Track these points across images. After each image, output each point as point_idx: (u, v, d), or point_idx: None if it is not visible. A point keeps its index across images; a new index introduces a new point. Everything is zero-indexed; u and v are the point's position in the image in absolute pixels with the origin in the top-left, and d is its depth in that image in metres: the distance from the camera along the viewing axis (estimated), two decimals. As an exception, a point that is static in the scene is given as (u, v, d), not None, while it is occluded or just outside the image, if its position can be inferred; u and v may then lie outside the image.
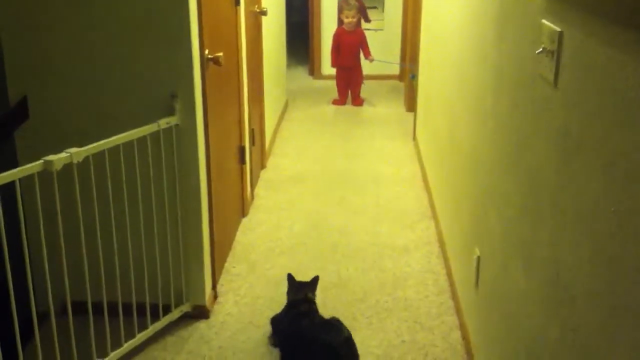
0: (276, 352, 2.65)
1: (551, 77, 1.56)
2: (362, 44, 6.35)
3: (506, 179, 2.05)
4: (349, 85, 6.45)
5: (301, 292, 2.78)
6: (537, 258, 1.69)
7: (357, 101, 6.44)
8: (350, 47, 6.31)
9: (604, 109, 1.26)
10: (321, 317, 2.69)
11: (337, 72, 6.47)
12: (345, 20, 6.22)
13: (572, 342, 1.40)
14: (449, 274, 3.19)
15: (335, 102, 6.47)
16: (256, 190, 4.30)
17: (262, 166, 4.70)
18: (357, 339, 2.70)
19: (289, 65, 6.75)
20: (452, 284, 3.10)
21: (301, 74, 7.69)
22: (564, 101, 1.49)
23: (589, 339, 1.31)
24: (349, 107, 6.42)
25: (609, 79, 1.23)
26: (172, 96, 2.56)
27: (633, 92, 1.12)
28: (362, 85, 6.47)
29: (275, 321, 2.76)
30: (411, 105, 5.81)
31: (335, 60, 6.43)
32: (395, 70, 7.26)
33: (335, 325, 2.60)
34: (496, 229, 2.19)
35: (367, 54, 6.37)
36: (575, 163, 1.41)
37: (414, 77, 5.49)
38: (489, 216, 2.30)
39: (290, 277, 2.86)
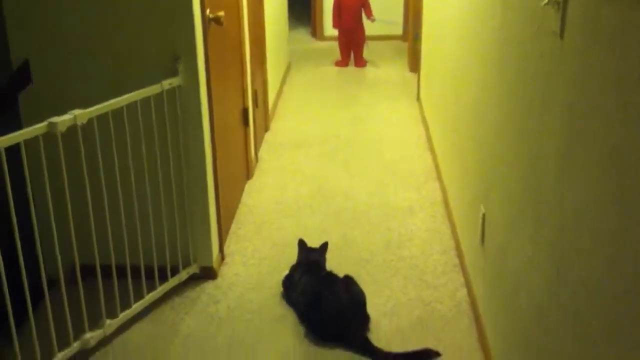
0: (285, 310, 2.67)
1: (557, 28, 1.54)
2: (363, 4, 6.28)
3: (513, 136, 2.04)
4: (351, 46, 6.40)
5: (311, 256, 2.82)
6: (544, 218, 1.68)
7: (360, 63, 6.40)
8: (351, 8, 6.25)
9: (611, 59, 1.24)
10: (332, 275, 2.72)
11: (339, 33, 6.42)
12: None
13: (581, 298, 1.41)
14: (454, 234, 3.20)
15: (337, 64, 6.43)
16: (260, 153, 4.30)
17: (266, 128, 4.69)
18: (364, 297, 2.73)
19: (291, 27, 6.69)
20: (457, 243, 3.11)
21: (303, 36, 7.63)
22: (571, 52, 1.47)
23: (597, 301, 1.31)
24: (351, 69, 6.37)
25: (615, 30, 1.21)
26: (175, 57, 2.54)
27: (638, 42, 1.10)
28: (365, 46, 6.40)
29: (287, 281, 2.79)
30: (415, 65, 5.76)
31: (337, 21, 6.37)
32: (398, 30, 7.19)
33: (347, 283, 2.64)
34: (503, 188, 2.18)
35: (369, 14, 6.30)
36: (583, 113, 1.40)
37: (417, 37, 5.44)
38: (496, 175, 2.29)
39: (301, 242, 2.88)
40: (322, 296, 2.56)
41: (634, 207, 1.14)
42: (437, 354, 2.39)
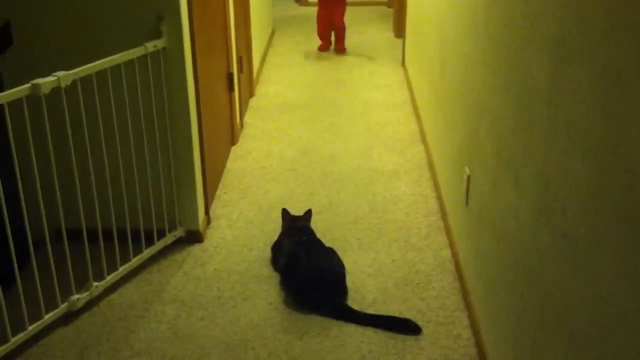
0: (271, 274, 2.70)
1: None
2: None
3: (498, 96, 2.06)
4: (331, 26, 5.72)
5: (297, 222, 2.83)
6: (527, 170, 1.71)
7: (340, 46, 5.76)
8: None
9: (598, 14, 1.25)
10: (314, 240, 2.74)
11: (319, 8, 5.74)
12: None
13: (561, 246, 1.44)
14: (439, 197, 3.23)
15: (320, 48, 5.82)
16: (245, 118, 4.29)
17: (251, 94, 4.67)
18: (349, 259, 2.76)
19: (274, -7, 6.63)
20: (442, 206, 3.14)
21: (287, 2, 7.56)
22: (558, 8, 1.48)
23: (578, 242, 1.34)
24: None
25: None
26: (159, 18, 2.51)
27: (627, -7, 1.11)
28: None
29: (274, 248, 2.80)
30: (400, 32, 5.74)
31: None
32: (383, -4, 7.15)
33: (329, 252, 2.66)
34: (487, 146, 2.20)
35: None
36: (568, 71, 1.41)
37: None
38: (480, 134, 2.31)
39: (284, 212, 2.88)
40: (299, 259, 2.58)
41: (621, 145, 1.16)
42: (418, 329, 2.36)
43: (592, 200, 1.27)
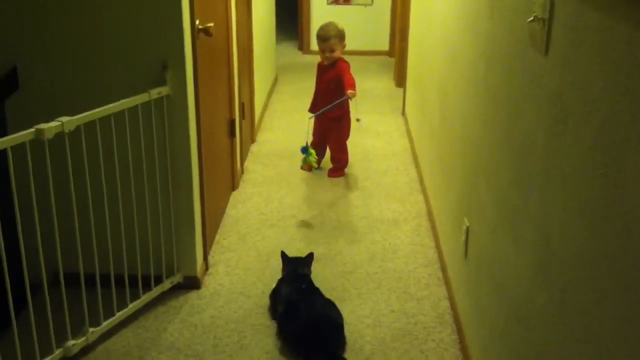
0: (268, 322, 2.68)
1: (542, 45, 1.58)
2: (341, 78, 3.99)
3: (497, 149, 2.07)
4: (327, 139, 4.22)
5: (297, 268, 2.81)
6: (526, 225, 1.71)
7: (333, 173, 4.18)
8: (322, 88, 4.20)
9: (594, 75, 1.27)
10: (312, 289, 2.73)
11: (314, 119, 4.08)
12: (323, 57, 4.15)
13: (560, 303, 1.43)
14: (438, 247, 3.22)
15: (303, 167, 4.22)
16: (246, 164, 4.31)
17: (252, 140, 4.70)
18: (347, 309, 2.74)
19: (278, 41, 6.71)
20: (440, 256, 3.13)
21: (290, 50, 7.67)
22: (555, 69, 1.50)
23: (576, 299, 1.34)
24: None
25: (600, 45, 1.25)
26: (164, 66, 2.55)
27: (624, 56, 1.13)
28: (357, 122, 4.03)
29: (273, 295, 2.79)
30: (401, 80, 5.81)
31: (312, 106, 4.27)
32: (384, 46, 7.25)
33: (328, 305, 2.64)
34: (486, 199, 2.21)
35: (348, 86, 3.89)
36: (565, 130, 1.43)
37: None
38: (479, 187, 2.32)
39: (283, 255, 2.88)
40: (296, 308, 2.55)
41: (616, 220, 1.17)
42: None
43: (589, 258, 1.27)
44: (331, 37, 4.02)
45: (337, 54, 4.07)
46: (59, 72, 2.58)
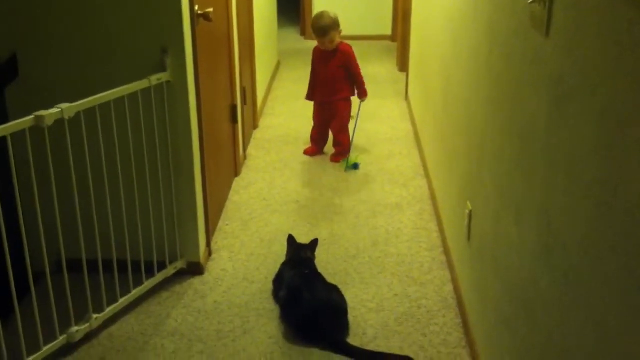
0: (272, 307, 2.68)
1: (543, 26, 1.56)
2: (347, 70, 4.14)
3: (500, 132, 2.06)
4: (329, 126, 4.24)
5: (301, 253, 2.82)
6: (529, 209, 1.71)
7: (338, 157, 4.17)
8: (326, 75, 4.15)
9: (596, 56, 1.26)
10: (316, 274, 2.73)
11: (314, 106, 4.29)
12: (322, 46, 4.15)
13: (563, 286, 1.43)
14: (441, 231, 3.22)
15: (306, 152, 4.29)
16: (249, 150, 4.30)
17: (255, 126, 4.69)
18: (351, 293, 2.74)
19: (280, 26, 6.68)
20: (444, 240, 3.13)
21: (293, 35, 7.63)
22: (556, 49, 1.49)
23: (580, 281, 1.33)
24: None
25: (601, 25, 1.23)
26: (163, 52, 2.54)
27: (626, 36, 1.12)
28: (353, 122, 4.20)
29: (276, 280, 2.79)
30: (403, 65, 5.78)
31: (310, 93, 4.32)
32: (387, 30, 7.21)
33: (331, 290, 2.64)
34: (489, 182, 2.20)
35: (362, 94, 4.18)
36: (568, 111, 1.42)
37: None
38: (482, 170, 2.31)
39: (290, 238, 2.88)
40: (300, 294, 2.55)
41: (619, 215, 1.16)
42: None
43: (592, 240, 1.27)
44: (329, 30, 4.03)
45: (337, 41, 4.09)
46: (58, 60, 2.57)
